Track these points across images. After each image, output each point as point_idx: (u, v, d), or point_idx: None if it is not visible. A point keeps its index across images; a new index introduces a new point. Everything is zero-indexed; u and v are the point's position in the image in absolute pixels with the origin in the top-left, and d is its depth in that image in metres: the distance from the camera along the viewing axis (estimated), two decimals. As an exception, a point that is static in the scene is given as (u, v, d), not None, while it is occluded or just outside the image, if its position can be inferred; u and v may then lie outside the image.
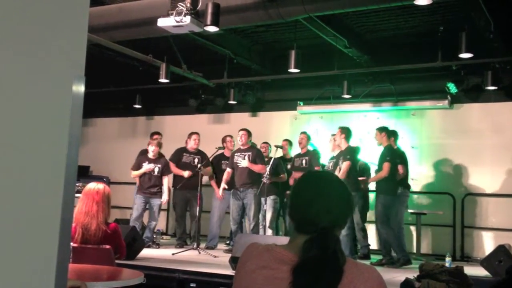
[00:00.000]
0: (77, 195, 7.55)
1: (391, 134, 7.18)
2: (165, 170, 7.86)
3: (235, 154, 7.67)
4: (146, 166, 7.67)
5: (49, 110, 1.11)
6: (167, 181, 7.89)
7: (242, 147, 7.65)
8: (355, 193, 6.90)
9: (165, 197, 7.78)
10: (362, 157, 8.04)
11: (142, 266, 5.33)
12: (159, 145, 7.98)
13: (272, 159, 7.64)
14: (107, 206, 3.88)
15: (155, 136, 8.49)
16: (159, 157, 7.92)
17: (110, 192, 3.98)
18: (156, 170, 7.77)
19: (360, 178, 7.36)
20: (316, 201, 1.57)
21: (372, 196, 7.94)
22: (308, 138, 8.26)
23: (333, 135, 7.63)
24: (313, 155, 8.07)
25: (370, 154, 8.43)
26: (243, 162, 7.41)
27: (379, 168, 7.02)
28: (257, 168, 7.39)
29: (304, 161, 8.03)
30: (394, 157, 6.96)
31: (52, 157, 1.10)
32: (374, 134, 7.29)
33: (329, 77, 9.34)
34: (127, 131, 11.58)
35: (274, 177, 7.72)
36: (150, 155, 7.84)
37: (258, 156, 7.55)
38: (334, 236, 1.52)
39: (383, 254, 7.05)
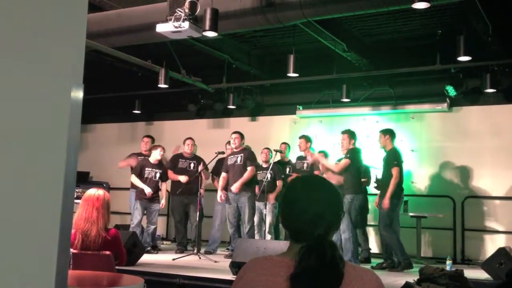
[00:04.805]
0: (76, 201, 7.52)
1: (395, 136, 7.12)
2: (164, 176, 7.97)
3: (229, 157, 7.70)
4: (148, 191, 7.70)
5: (48, 117, 1.11)
6: (165, 187, 8.03)
7: (235, 150, 7.68)
8: (357, 195, 6.89)
9: (162, 201, 7.91)
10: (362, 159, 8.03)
11: (143, 272, 5.33)
12: (163, 151, 8.08)
13: (272, 164, 7.66)
14: (107, 212, 3.88)
15: (145, 139, 8.68)
16: (160, 163, 8.00)
17: (110, 198, 3.98)
18: (158, 175, 7.85)
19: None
20: (308, 209, 1.56)
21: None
22: (307, 140, 8.22)
23: (344, 132, 7.53)
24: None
25: (369, 157, 8.43)
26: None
27: (386, 173, 6.91)
28: (248, 175, 7.41)
29: (305, 165, 8.03)
30: (400, 161, 6.93)
31: (50, 164, 1.11)
32: (378, 136, 7.21)
33: (328, 81, 9.35)
34: (127, 136, 11.58)
35: (271, 183, 7.76)
36: (152, 160, 7.91)
37: (249, 157, 7.56)
38: (330, 242, 1.51)
39: (384, 257, 7.03)
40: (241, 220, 7.58)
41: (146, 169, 7.86)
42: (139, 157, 8.33)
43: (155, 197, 7.82)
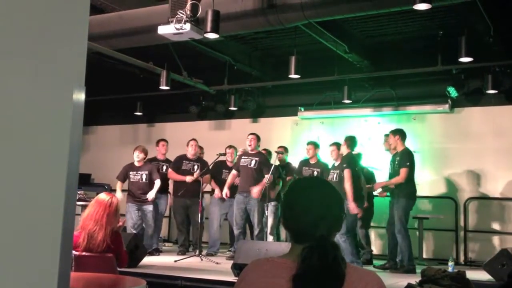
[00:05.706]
0: (78, 203, 7.46)
1: (405, 136, 6.96)
2: (153, 175, 7.74)
3: (242, 157, 7.65)
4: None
5: (50, 119, 1.11)
6: (158, 182, 7.70)
7: (250, 151, 7.64)
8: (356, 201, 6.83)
9: (151, 194, 7.60)
10: (365, 163, 7.99)
11: (145, 274, 5.33)
12: (144, 151, 7.88)
13: (273, 166, 7.64)
14: (115, 220, 3.88)
15: (161, 143, 8.50)
16: (145, 163, 7.85)
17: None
18: (144, 177, 7.73)
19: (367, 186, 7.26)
20: (310, 210, 1.56)
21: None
22: (316, 146, 8.11)
23: (333, 144, 7.50)
24: (325, 168, 7.89)
25: (371, 159, 8.42)
26: (254, 192, 7.29)
27: (396, 173, 6.76)
28: (264, 182, 7.31)
29: (315, 173, 7.90)
30: (413, 162, 6.80)
31: (53, 166, 1.11)
32: (386, 138, 7.11)
33: (330, 82, 9.35)
34: (128, 138, 11.58)
35: (272, 184, 7.74)
36: (136, 163, 7.79)
37: (264, 163, 7.52)
38: (332, 242, 1.51)
39: (387, 258, 7.00)
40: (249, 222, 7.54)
41: (131, 173, 7.76)
42: (153, 162, 8.17)
43: (146, 199, 7.68)
